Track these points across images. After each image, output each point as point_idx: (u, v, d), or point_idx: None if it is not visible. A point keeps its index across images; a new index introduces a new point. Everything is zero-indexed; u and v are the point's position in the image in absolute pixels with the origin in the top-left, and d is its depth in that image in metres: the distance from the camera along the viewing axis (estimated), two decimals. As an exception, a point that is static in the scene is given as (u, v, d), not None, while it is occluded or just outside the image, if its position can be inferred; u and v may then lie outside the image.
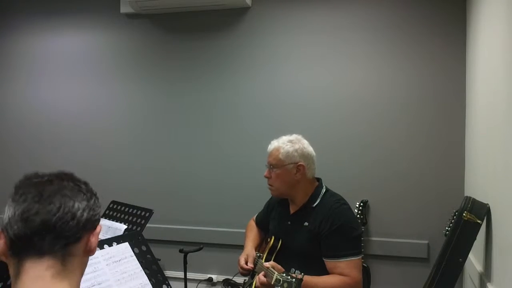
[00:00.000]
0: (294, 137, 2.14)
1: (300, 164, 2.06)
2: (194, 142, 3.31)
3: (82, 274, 0.99)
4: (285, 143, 2.10)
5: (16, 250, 0.90)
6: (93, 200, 0.99)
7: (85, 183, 1.02)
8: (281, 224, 2.18)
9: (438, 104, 2.85)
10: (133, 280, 1.59)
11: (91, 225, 0.97)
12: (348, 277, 1.91)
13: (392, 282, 2.88)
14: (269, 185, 2.14)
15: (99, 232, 1.00)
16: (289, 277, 1.69)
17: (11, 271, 0.91)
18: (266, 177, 2.14)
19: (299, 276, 1.68)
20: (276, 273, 1.75)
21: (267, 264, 1.87)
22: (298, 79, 3.10)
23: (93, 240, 0.98)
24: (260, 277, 1.86)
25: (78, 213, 0.94)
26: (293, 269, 1.73)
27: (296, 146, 2.08)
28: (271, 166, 2.10)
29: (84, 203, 0.96)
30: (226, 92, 3.25)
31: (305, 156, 2.08)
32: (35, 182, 0.95)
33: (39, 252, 0.90)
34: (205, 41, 3.28)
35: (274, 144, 2.14)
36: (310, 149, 2.13)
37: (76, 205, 0.94)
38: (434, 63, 2.85)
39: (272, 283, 1.74)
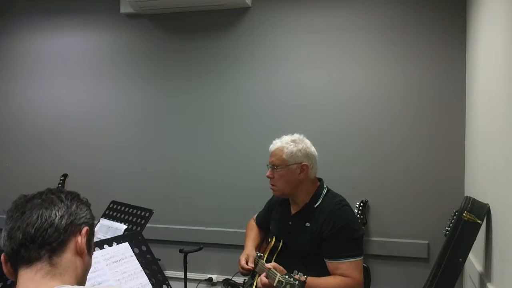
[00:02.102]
0: (296, 136, 2.13)
1: (304, 164, 2.06)
2: (194, 142, 3.31)
3: (81, 274, 1.06)
4: (289, 143, 2.08)
5: (12, 263, 1.02)
6: (74, 206, 1.08)
7: (69, 193, 1.10)
8: (282, 225, 2.18)
9: (438, 104, 2.85)
10: (133, 280, 1.59)
11: (75, 228, 1.06)
12: (349, 278, 1.91)
13: (392, 282, 2.88)
14: (272, 185, 2.12)
15: (86, 233, 1.07)
16: (291, 279, 1.67)
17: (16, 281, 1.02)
18: (268, 177, 2.11)
19: (302, 278, 1.67)
20: (278, 274, 1.74)
21: (268, 265, 1.86)
22: (298, 79, 3.10)
23: (81, 241, 1.05)
24: (262, 278, 1.85)
25: (56, 220, 1.03)
26: (296, 271, 1.72)
27: (300, 146, 2.08)
28: (274, 166, 2.08)
29: (63, 210, 1.05)
30: (226, 92, 3.25)
31: (308, 156, 2.08)
32: (19, 203, 1.06)
33: (28, 261, 1.00)
34: (205, 41, 3.28)
35: (276, 144, 2.11)
36: (312, 149, 2.12)
37: (54, 213, 1.04)
38: (434, 63, 2.85)
39: (275, 284, 1.73)
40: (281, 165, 2.06)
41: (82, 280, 1.07)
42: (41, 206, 1.04)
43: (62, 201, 1.06)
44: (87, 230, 1.08)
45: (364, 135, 2.96)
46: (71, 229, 1.04)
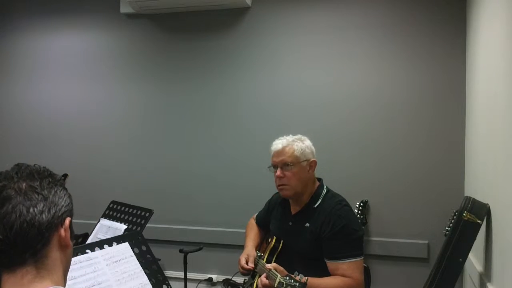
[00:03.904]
0: (298, 135, 2.14)
1: (313, 161, 2.07)
2: (194, 141, 3.31)
3: (66, 267, 0.99)
4: (295, 141, 2.09)
5: None
6: (52, 195, 0.95)
7: (42, 178, 0.97)
8: (283, 225, 2.18)
9: (438, 104, 2.85)
10: (133, 280, 1.59)
11: (57, 221, 0.95)
12: (350, 278, 1.91)
13: (392, 282, 2.88)
14: (283, 184, 2.06)
15: (69, 224, 0.98)
16: (292, 280, 1.66)
17: None
18: (279, 177, 2.05)
19: (303, 280, 1.66)
20: (279, 275, 1.73)
21: (269, 265, 1.85)
22: (298, 79, 3.09)
23: (65, 235, 0.96)
24: (263, 279, 1.84)
25: (37, 218, 0.91)
26: (297, 272, 1.71)
27: (306, 143, 2.10)
28: (286, 165, 2.04)
29: (42, 204, 0.93)
30: (226, 92, 3.25)
31: (314, 153, 2.10)
32: None
33: (11, 266, 0.90)
34: (205, 41, 3.28)
35: (282, 143, 2.09)
36: (313, 147, 2.14)
37: (32, 210, 0.91)
38: (434, 63, 2.85)
39: (275, 286, 1.72)
40: (293, 162, 2.04)
41: (67, 270, 1.00)
42: (16, 200, 0.91)
43: (38, 193, 0.93)
44: (70, 221, 0.98)
45: (364, 135, 2.96)
46: (54, 222, 0.94)
